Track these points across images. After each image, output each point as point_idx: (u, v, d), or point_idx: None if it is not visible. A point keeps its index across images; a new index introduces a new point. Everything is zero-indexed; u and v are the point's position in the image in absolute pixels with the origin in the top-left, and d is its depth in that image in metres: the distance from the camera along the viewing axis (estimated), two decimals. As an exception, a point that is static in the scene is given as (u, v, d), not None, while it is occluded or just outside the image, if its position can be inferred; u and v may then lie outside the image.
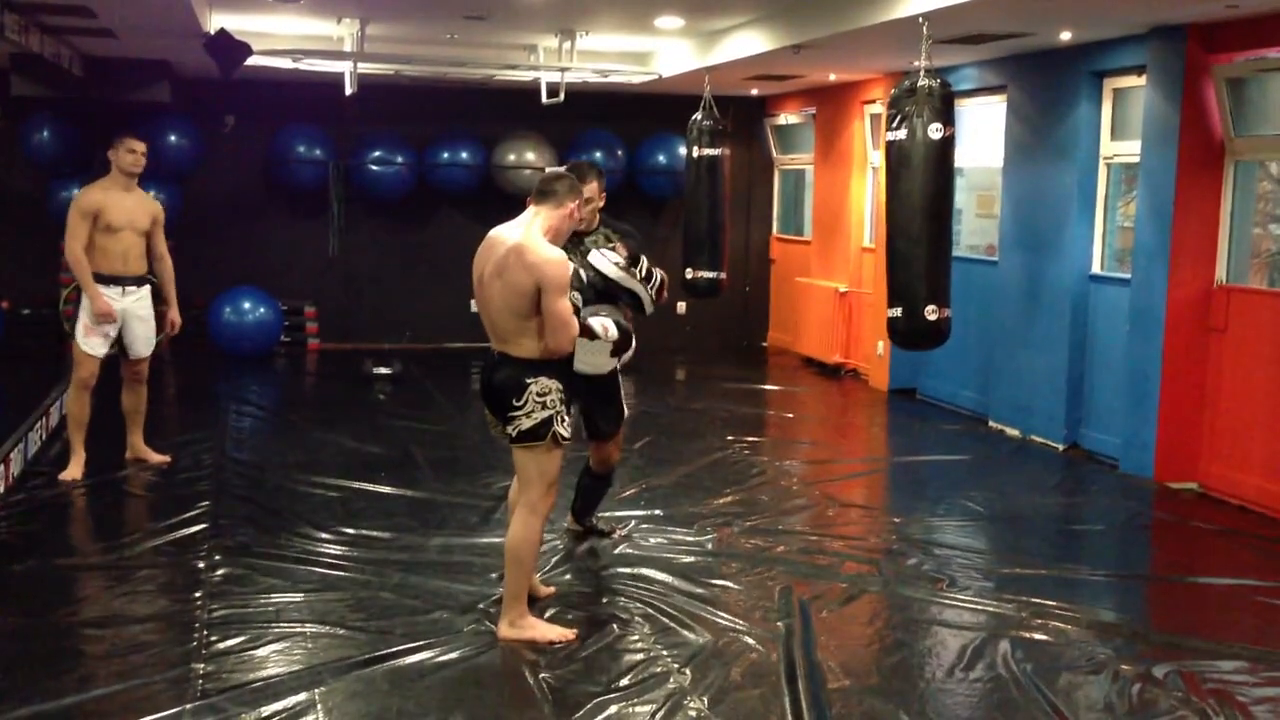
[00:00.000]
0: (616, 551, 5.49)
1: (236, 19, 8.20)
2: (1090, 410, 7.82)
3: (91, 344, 6.49)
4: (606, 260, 4.90)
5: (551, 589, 4.90)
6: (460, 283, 12.94)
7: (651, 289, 4.99)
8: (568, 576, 5.15)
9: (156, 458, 6.90)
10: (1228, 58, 6.69)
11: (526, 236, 4.23)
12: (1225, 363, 6.85)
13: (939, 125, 6.13)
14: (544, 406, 4.25)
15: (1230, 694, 4.09)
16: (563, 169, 5.00)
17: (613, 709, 3.84)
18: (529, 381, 4.24)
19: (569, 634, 4.40)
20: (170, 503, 6.12)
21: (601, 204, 5.20)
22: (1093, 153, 7.78)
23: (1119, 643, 4.55)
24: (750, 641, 4.44)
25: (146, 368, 6.83)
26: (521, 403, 4.23)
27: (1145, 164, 7.16)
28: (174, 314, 6.78)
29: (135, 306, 6.62)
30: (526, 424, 4.25)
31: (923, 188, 6.23)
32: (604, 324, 4.59)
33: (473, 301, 4.47)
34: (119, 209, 6.49)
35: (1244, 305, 6.77)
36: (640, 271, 4.95)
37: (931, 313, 6.29)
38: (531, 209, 4.35)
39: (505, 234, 4.30)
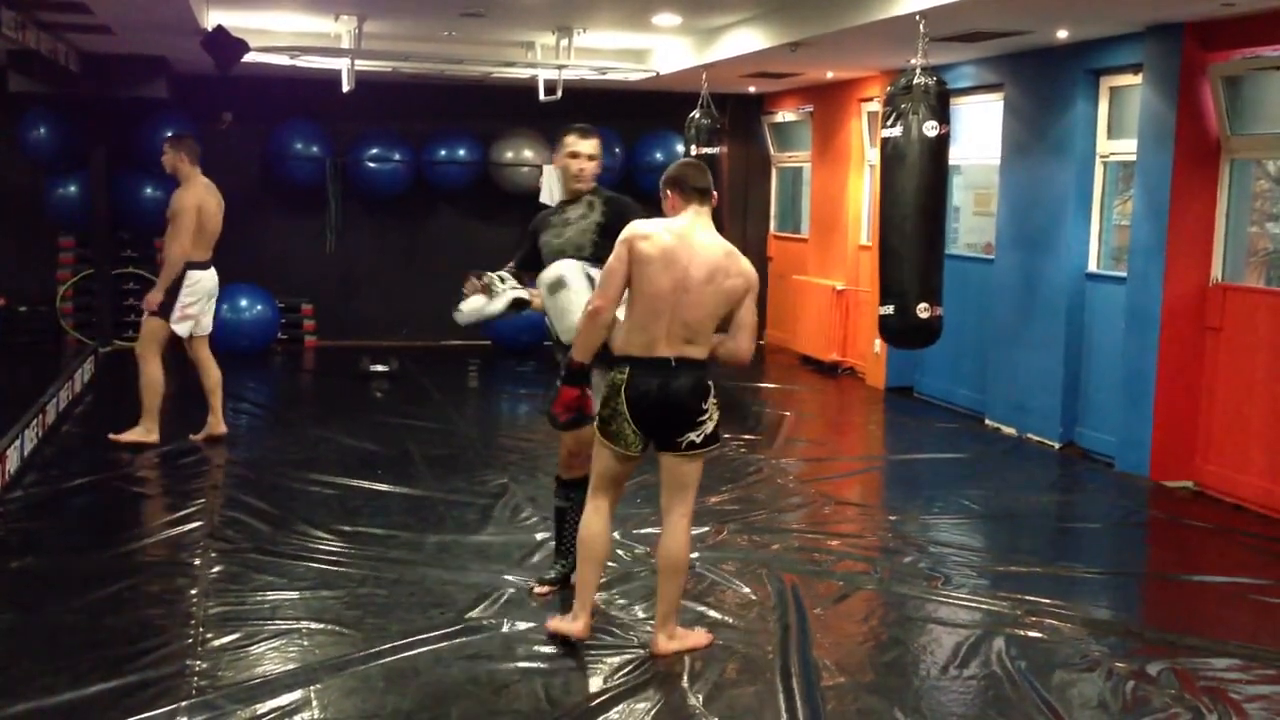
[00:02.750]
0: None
1: (234, 16, 8.19)
2: (1086, 408, 7.83)
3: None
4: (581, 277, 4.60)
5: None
6: (457, 278, 12.95)
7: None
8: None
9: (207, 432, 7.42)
10: (1224, 56, 6.69)
11: (727, 243, 4.21)
12: (1221, 361, 6.86)
13: (934, 123, 6.15)
14: (717, 408, 4.19)
15: (1224, 691, 4.10)
16: (580, 128, 4.83)
17: (608, 706, 3.85)
18: (710, 384, 4.16)
19: (710, 637, 4.40)
20: (167, 500, 6.12)
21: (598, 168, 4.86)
22: (1089, 151, 7.79)
23: (1113, 640, 4.56)
24: (746, 638, 4.44)
25: (191, 350, 7.47)
26: (707, 407, 4.13)
27: (1141, 162, 7.16)
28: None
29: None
30: (710, 428, 4.15)
31: (917, 185, 6.24)
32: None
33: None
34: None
35: (1240, 304, 6.78)
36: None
37: (924, 311, 6.31)
38: (692, 209, 4.19)
39: (703, 239, 4.15)
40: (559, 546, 4.98)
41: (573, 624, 4.30)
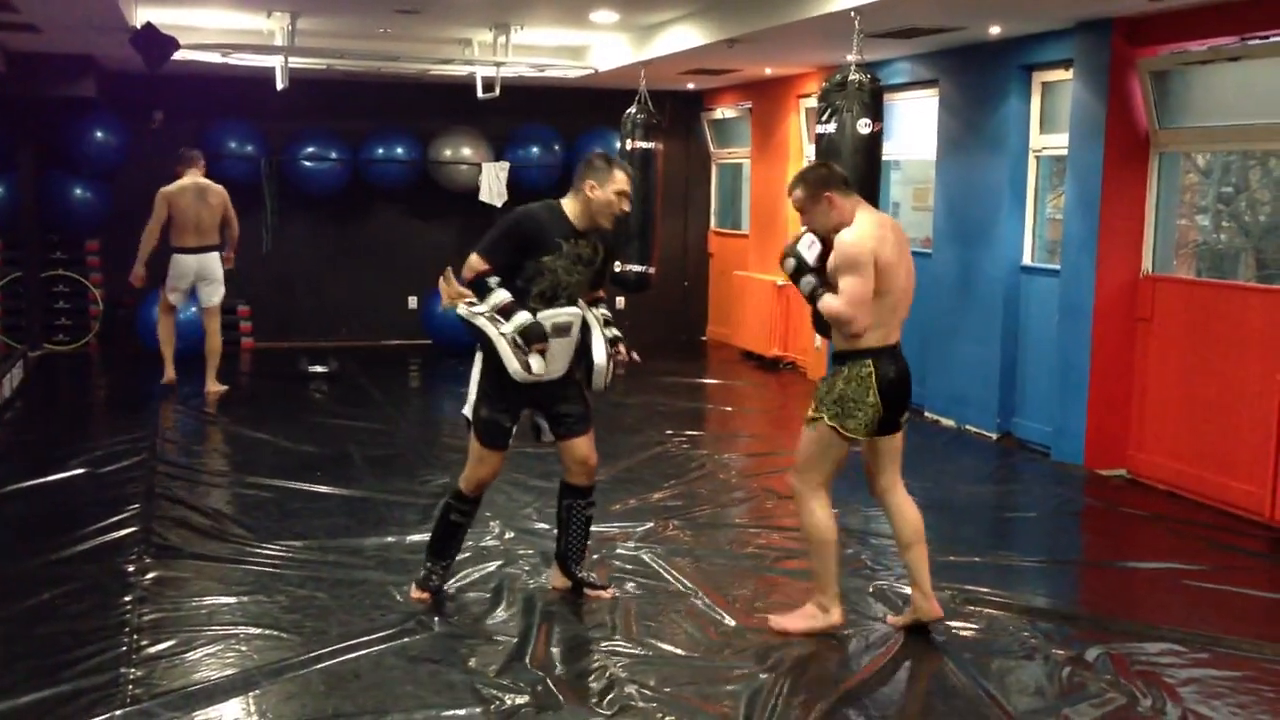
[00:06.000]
0: (554, 548, 5.46)
1: (163, 13, 8.06)
2: (1022, 399, 7.94)
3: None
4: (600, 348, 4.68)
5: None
6: (397, 278, 12.80)
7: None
8: (502, 571, 5.12)
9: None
10: (1152, 51, 6.81)
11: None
12: (1152, 351, 6.99)
13: (868, 120, 6.20)
14: None
15: (1158, 675, 4.17)
16: (626, 165, 4.57)
17: (547, 704, 3.84)
18: None
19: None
20: (99, 505, 6.00)
21: None
22: (1022, 145, 7.90)
23: (1050, 627, 4.63)
24: (689, 635, 4.45)
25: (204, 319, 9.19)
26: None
27: (1073, 156, 7.28)
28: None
29: None
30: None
31: (851, 181, 6.27)
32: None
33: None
34: None
35: (1169, 295, 6.91)
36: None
37: None
38: (855, 199, 4.32)
39: (882, 217, 4.41)
40: (443, 556, 4.80)
41: (828, 618, 4.46)
